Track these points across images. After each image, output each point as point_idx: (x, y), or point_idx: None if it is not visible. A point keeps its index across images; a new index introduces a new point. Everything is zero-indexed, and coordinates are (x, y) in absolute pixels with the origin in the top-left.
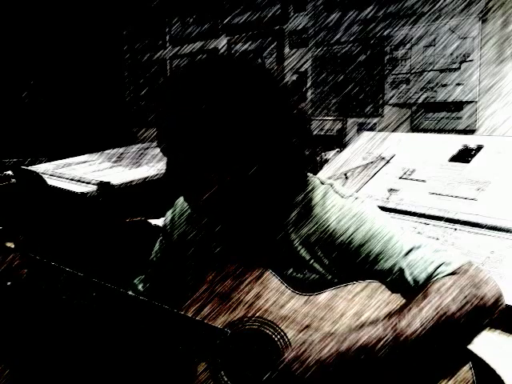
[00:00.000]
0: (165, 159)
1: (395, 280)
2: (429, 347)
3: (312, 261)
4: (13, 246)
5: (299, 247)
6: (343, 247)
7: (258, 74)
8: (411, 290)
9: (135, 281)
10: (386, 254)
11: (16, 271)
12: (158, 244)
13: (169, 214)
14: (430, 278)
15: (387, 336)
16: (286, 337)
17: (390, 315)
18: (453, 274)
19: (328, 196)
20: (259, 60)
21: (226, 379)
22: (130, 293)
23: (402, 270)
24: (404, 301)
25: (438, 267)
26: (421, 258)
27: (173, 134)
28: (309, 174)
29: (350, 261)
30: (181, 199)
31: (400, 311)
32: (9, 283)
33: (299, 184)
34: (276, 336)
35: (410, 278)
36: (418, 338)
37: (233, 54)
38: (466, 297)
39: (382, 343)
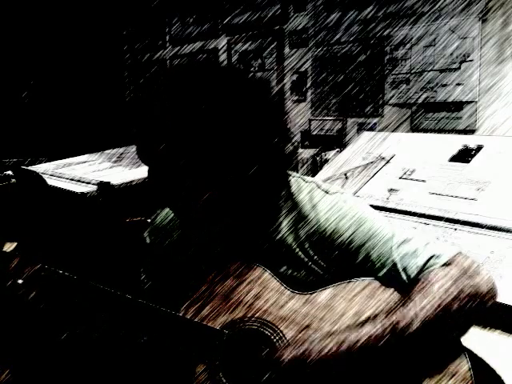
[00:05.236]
0: None
1: (388, 274)
2: (425, 340)
3: (308, 261)
4: (13, 247)
5: (294, 246)
6: (335, 244)
7: (238, 79)
8: (404, 282)
9: None
10: (378, 248)
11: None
12: (143, 271)
13: (146, 234)
14: (421, 271)
15: (386, 335)
16: (285, 337)
17: (387, 313)
18: (445, 265)
19: (314, 194)
20: (259, 60)
21: (224, 380)
22: (128, 296)
23: (394, 264)
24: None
25: (429, 259)
26: (413, 250)
27: (154, 142)
28: (291, 172)
29: (342, 257)
30: (162, 214)
31: (397, 309)
32: (20, 281)
33: (283, 184)
34: (275, 337)
35: (402, 272)
36: (416, 334)
37: (211, 60)
38: (459, 288)
39: (381, 342)
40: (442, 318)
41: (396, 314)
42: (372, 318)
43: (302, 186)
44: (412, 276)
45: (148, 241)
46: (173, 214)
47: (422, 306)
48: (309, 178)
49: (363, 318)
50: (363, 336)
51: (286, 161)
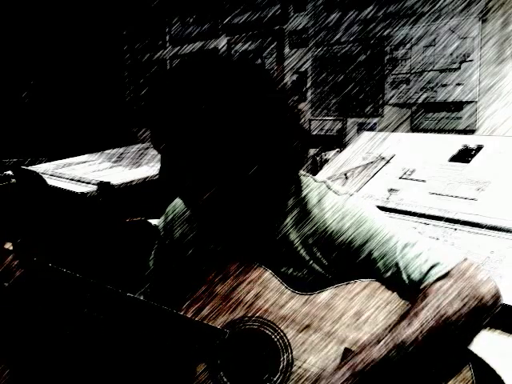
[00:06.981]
0: None
1: (391, 277)
2: (430, 352)
3: (311, 261)
4: (11, 248)
5: (299, 247)
6: (342, 247)
7: (254, 75)
8: (407, 287)
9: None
10: (384, 251)
11: (13, 273)
12: (153, 254)
13: (161, 221)
14: (424, 278)
15: (391, 351)
16: (286, 337)
17: (391, 329)
18: (448, 273)
19: (324, 194)
20: (259, 60)
21: (225, 380)
22: (129, 294)
23: (397, 268)
24: (403, 301)
25: (432, 267)
26: (416, 255)
27: (169, 135)
28: (302, 172)
29: (349, 259)
30: (172, 204)
31: (399, 323)
32: (6, 284)
33: (294, 183)
34: (276, 336)
35: (405, 276)
36: (419, 347)
37: (226, 54)
38: (463, 300)
39: (388, 361)
40: (444, 331)
41: (397, 328)
42: (376, 338)
43: (311, 185)
44: (415, 281)
45: (161, 233)
46: (176, 213)
47: (424, 321)
48: (320, 178)
49: (363, 317)
50: (372, 355)
51: (294, 159)
